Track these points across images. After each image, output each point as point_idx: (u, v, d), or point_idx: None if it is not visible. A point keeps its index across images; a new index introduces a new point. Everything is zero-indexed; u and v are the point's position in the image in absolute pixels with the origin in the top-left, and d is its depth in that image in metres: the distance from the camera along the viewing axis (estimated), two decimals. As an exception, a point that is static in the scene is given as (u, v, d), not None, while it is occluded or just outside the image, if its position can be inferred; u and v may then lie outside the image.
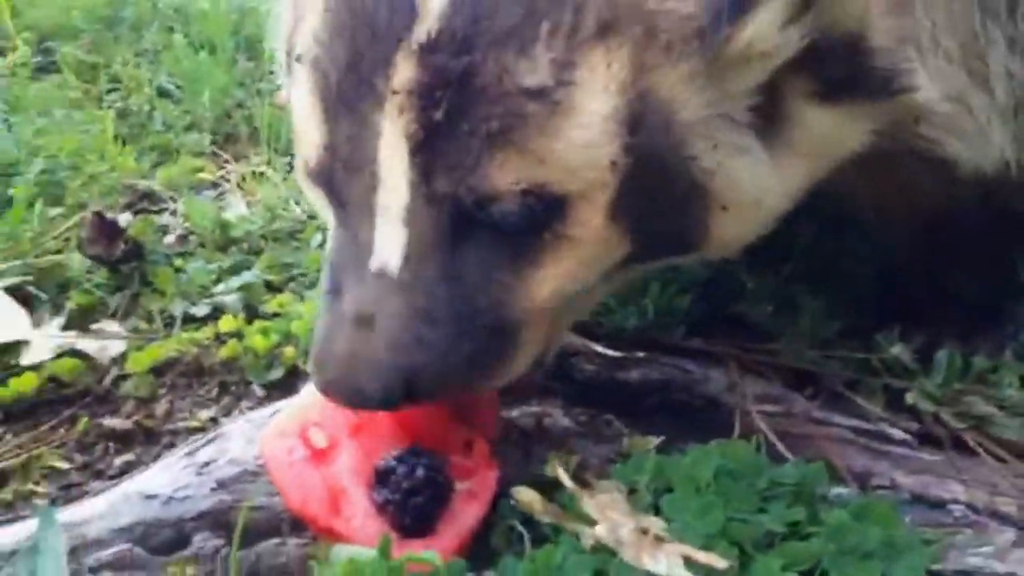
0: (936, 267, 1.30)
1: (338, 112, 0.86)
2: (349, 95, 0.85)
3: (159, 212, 1.61)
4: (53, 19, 2.26)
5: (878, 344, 1.27)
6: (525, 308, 0.90)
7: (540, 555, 0.85)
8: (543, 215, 0.86)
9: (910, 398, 1.21)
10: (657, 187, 0.88)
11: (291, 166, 1.75)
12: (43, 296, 1.33)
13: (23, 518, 0.99)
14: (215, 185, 1.73)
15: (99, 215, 1.35)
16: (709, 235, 0.93)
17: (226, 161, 1.83)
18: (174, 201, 1.64)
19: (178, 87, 2.03)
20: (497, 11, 0.83)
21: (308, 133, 0.88)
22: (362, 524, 0.88)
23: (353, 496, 0.89)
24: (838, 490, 1.03)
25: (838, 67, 0.90)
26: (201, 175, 1.74)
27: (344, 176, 0.87)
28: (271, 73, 2.00)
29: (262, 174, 1.73)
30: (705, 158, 0.88)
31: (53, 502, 1.02)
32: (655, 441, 1.05)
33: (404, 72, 0.83)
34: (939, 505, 1.05)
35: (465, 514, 0.92)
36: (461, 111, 0.83)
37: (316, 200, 0.96)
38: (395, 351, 0.85)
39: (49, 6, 2.29)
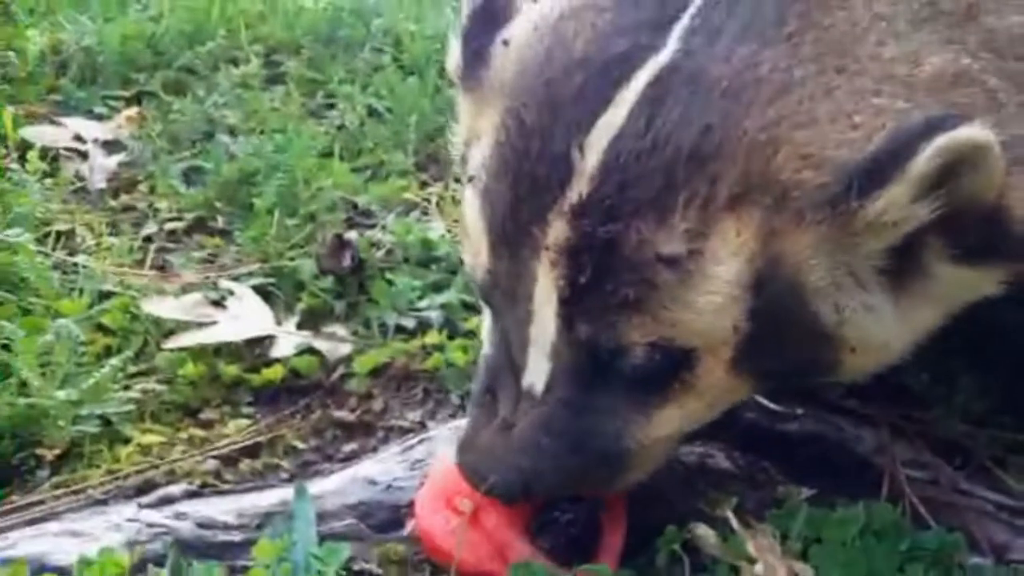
0: None
1: (501, 246, 0.97)
2: (511, 235, 0.96)
3: (371, 227, 1.83)
4: (279, 35, 2.48)
5: (1027, 424, 1.34)
6: (641, 442, 1.00)
7: (701, 580, 1.00)
8: (671, 366, 0.96)
9: (1054, 479, 1.28)
10: (782, 340, 0.95)
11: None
12: (281, 296, 1.57)
13: (271, 486, 1.21)
14: (417, 205, 1.94)
15: (338, 236, 1.58)
16: (839, 369, 1.00)
17: (426, 183, 2.03)
18: (383, 217, 1.86)
19: (388, 109, 2.24)
20: (641, 180, 0.91)
21: (475, 250, 1.01)
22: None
23: (517, 545, 1.04)
24: (976, 560, 1.13)
25: (975, 235, 0.94)
26: (406, 195, 1.95)
27: (503, 301, 1.00)
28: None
29: (455, 199, 1.92)
30: (830, 316, 0.94)
31: (294, 476, 1.23)
32: (807, 492, 1.17)
33: (556, 230, 0.93)
34: None
35: (613, 541, 1.07)
36: (604, 274, 0.92)
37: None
38: (521, 455, 0.98)
39: (276, 22, 2.51)
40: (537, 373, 0.98)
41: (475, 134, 1.02)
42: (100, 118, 2.11)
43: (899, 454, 1.27)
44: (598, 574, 1.02)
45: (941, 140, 0.89)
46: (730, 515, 1.00)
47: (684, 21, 0.95)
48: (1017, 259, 0.98)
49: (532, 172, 0.95)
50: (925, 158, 0.89)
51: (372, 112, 2.21)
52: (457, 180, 1.99)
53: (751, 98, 0.92)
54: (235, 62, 2.41)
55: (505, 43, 1.02)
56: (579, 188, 0.92)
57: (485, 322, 1.10)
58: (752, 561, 0.97)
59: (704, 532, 0.99)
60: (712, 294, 0.92)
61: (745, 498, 1.16)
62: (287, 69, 2.37)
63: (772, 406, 1.30)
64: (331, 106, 2.25)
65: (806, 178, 0.91)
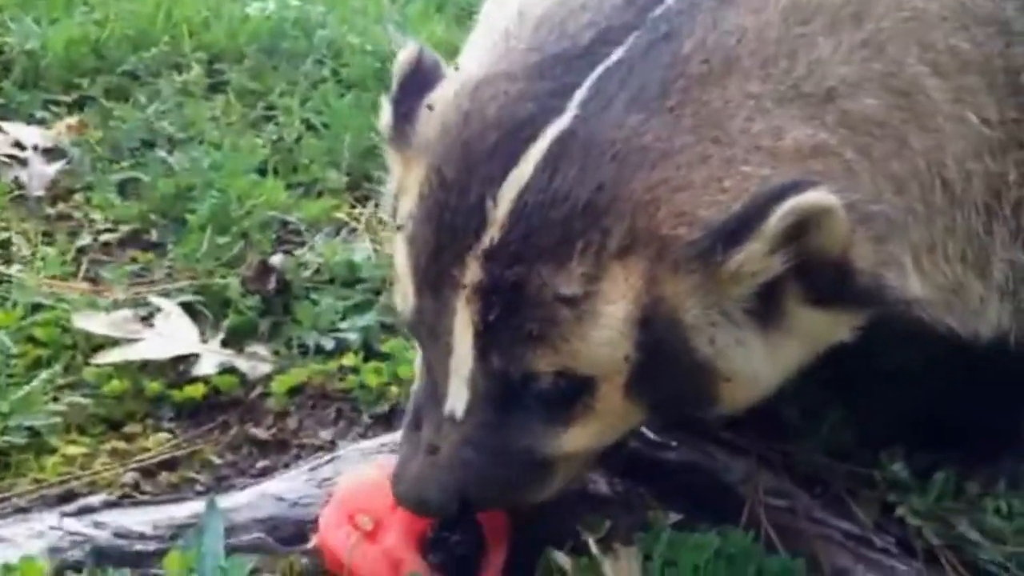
0: (942, 401, 1.49)
1: (425, 287, 1.10)
2: (434, 277, 1.08)
3: (300, 245, 1.91)
4: (222, 43, 2.51)
5: (881, 460, 1.49)
6: (555, 455, 1.14)
7: (567, 599, 1.13)
8: (573, 391, 1.10)
9: (900, 511, 1.42)
10: (667, 370, 1.09)
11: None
12: (207, 313, 1.66)
13: (186, 499, 1.31)
14: (346, 224, 2.00)
15: (263, 262, 1.68)
16: (717, 400, 1.13)
17: (358, 200, 2.11)
18: (311, 236, 1.93)
19: (324, 124, 2.27)
20: (543, 229, 1.04)
21: (403, 291, 1.14)
22: None
23: (410, 560, 1.17)
24: (816, 583, 1.28)
25: (826, 281, 1.08)
26: (337, 213, 2.03)
27: (427, 338, 1.13)
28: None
29: (383, 220, 2.00)
30: (706, 349, 1.08)
31: (209, 489, 1.34)
32: (674, 518, 1.30)
33: (471, 272, 1.05)
34: None
35: (495, 559, 1.20)
36: (512, 311, 1.05)
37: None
38: (448, 472, 1.11)
39: (220, 29, 2.54)
40: (458, 400, 1.11)
41: (403, 188, 1.15)
42: (42, 122, 2.16)
43: (763, 483, 1.41)
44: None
45: (791, 203, 1.03)
46: (591, 541, 1.13)
47: (583, 90, 1.08)
48: (862, 305, 1.12)
49: (451, 221, 1.07)
50: (777, 218, 1.03)
51: (310, 126, 2.25)
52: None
53: (637, 162, 1.05)
54: (178, 68, 2.43)
55: (429, 107, 1.14)
56: (491, 234, 1.05)
57: (417, 361, 1.21)
58: (608, 583, 1.10)
59: (562, 559, 1.12)
60: (605, 329, 1.05)
61: (619, 521, 1.29)
62: (229, 78, 2.41)
63: (653, 436, 1.44)
64: (270, 118, 2.29)
65: (681, 234, 1.05)
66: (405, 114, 1.15)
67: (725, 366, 1.10)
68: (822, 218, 1.04)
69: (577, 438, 1.13)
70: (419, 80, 1.16)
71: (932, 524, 1.41)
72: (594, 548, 1.12)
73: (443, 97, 1.13)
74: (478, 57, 1.18)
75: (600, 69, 1.08)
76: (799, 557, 1.27)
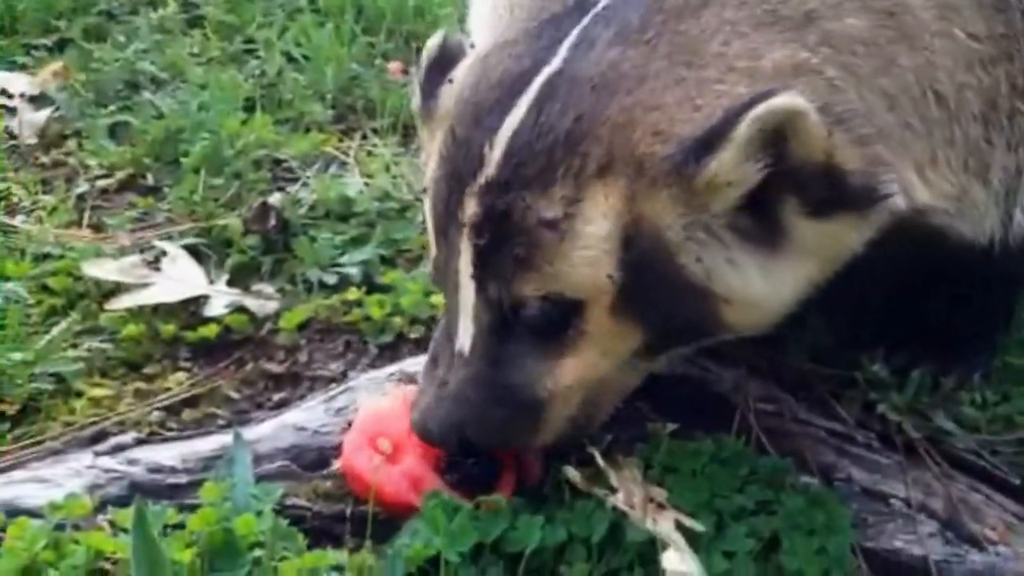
0: (922, 302, 1.55)
1: (440, 236, 1.17)
2: (445, 223, 1.14)
3: (293, 181, 1.94)
4: None
5: (863, 362, 1.57)
6: (551, 389, 1.16)
7: (576, 507, 1.22)
8: (563, 316, 1.13)
9: (881, 408, 1.50)
10: (656, 290, 1.11)
11: (402, 145, 2.07)
12: (211, 254, 1.70)
13: (210, 433, 1.38)
14: (335, 158, 2.01)
15: (263, 203, 1.72)
16: (722, 323, 1.15)
17: (345, 133, 2.13)
18: (304, 172, 1.96)
19: (305, 57, 2.27)
20: (529, 161, 1.09)
21: (430, 247, 1.21)
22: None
23: (429, 479, 1.24)
24: (806, 479, 1.36)
25: (818, 189, 1.09)
26: (326, 148, 2.04)
27: (443, 282, 1.19)
28: (384, 55, 2.29)
29: (371, 152, 2.03)
30: (694, 269, 1.10)
31: (230, 423, 1.41)
32: (671, 427, 1.38)
33: (469, 208, 1.11)
34: (882, 498, 1.35)
35: (508, 477, 1.26)
36: (501, 239, 1.10)
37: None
38: (451, 407, 1.16)
39: None
40: (465, 336, 1.16)
41: (429, 156, 1.22)
42: (24, 68, 2.17)
43: (753, 391, 1.49)
44: (494, 503, 1.23)
45: (760, 108, 1.05)
46: (595, 453, 1.21)
47: (571, 38, 1.13)
48: (861, 208, 1.13)
49: (458, 170, 1.14)
50: (746, 124, 1.05)
51: (291, 59, 2.26)
52: (375, 131, 2.13)
53: (614, 89, 1.09)
54: (153, 5, 2.44)
55: (450, 81, 1.21)
56: (487, 172, 1.11)
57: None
58: (615, 491, 1.19)
59: (571, 472, 1.21)
60: (586, 249, 1.09)
61: (620, 434, 1.37)
62: (204, 12, 2.41)
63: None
64: (250, 52, 2.30)
65: (657, 151, 1.08)
66: (430, 92, 1.22)
67: (720, 287, 1.12)
68: (794, 122, 1.06)
69: (572, 369, 1.16)
70: (443, 61, 1.23)
71: (911, 418, 1.47)
72: (599, 460, 1.20)
73: (461, 70, 1.21)
74: (487, 31, 1.26)
75: (587, 18, 1.14)
76: (788, 457, 1.36)
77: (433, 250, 1.20)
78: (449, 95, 1.19)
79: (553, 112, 1.09)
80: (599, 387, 1.21)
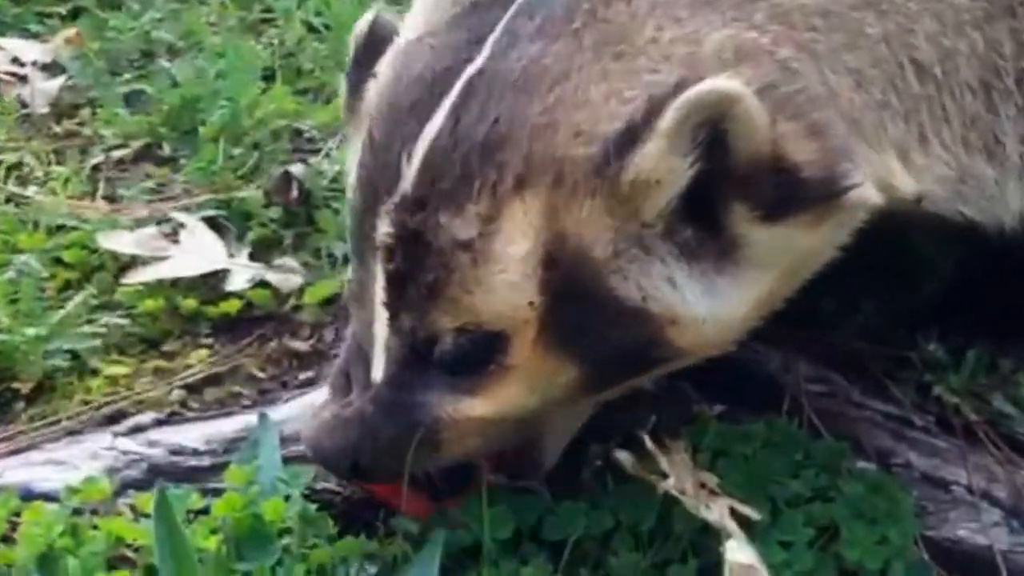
0: (977, 280, 1.49)
1: (355, 255, 1.06)
2: (359, 242, 1.04)
3: (315, 152, 1.86)
4: None
5: (918, 340, 1.50)
6: (458, 425, 1.03)
7: (622, 493, 1.14)
8: (482, 351, 1.00)
9: (937, 390, 1.43)
10: (588, 318, 0.98)
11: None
12: (230, 226, 1.63)
13: (234, 413, 1.32)
14: None
15: (285, 172, 1.64)
16: (673, 348, 1.01)
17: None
18: (325, 143, 1.89)
19: (325, 26, 2.18)
20: (445, 174, 0.97)
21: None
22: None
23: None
24: (861, 464, 1.29)
25: (768, 188, 0.95)
26: (345, 118, 1.98)
27: (357, 308, 1.08)
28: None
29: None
30: (627, 290, 0.97)
31: (255, 403, 1.34)
32: (718, 409, 1.31)
33: (382, 227, 0.99)
34: (943, 485, 1.28)
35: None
36: (413, 263, 0.98)
37: None
38: (349, 432, 1.04)
39: None
40: (378, 365, 1.04)
41: (353, 157, 1.11)
42: (36, 36, 2.10)
43: (802, 371, 1.42)
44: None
45: (687, 94, 0.93)
46: (645, 436, 1.13)
47: (496, 33, 1.01)
48: (820, 206, 0.99)
49: (375, 182, 1.03)
50: (671, 112, 0.92)
51: (311, 28, 2.17)
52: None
53: (534, 88, 0.97)
54: (168, -28, 2.39)
55: (374, 75, 1.09)
56: (403, 188, 0.99)
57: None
58: (665, 475, 1.11)
59: (623, 456, 1.13)
60: (504, 273, 0.97)
61: (664, 416, 1.30)
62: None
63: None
64: (268, 21, 2.21)
65: (578, 153, 0.96)
66: (356, 86, 1.11)
67: (659, 309, 0.99)
68: (729, 109, 0.92)
69: (489, 403, 1.03)
70: (371, 50, 1.11)
71: (969, 401, 1.40)
72: (648, 443, 1.13)
73: (384, 62, 1.09)
74: (415, 19, 1.13)
75: (512, 9, 1.01)
76: (843, 441, 1.29)
77: (350, 269, 1.09)
78: (372, 90, 1.08)
79: (472, 117, 0.97)
80: (532, 423, 1.08)
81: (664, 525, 1.12)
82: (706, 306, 1.00)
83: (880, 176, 1.03)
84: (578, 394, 1.06)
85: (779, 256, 1.01)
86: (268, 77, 1.99)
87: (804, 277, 1.07)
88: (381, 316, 1.03)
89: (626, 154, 0.94)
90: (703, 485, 1.13)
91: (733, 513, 1.11)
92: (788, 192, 0.97)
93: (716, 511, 1.08)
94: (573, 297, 0.98)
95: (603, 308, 0.98)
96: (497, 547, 1.10)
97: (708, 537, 1.11)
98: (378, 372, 1.05)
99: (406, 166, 0.99)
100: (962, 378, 1.43)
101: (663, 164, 0.94)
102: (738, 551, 1.00)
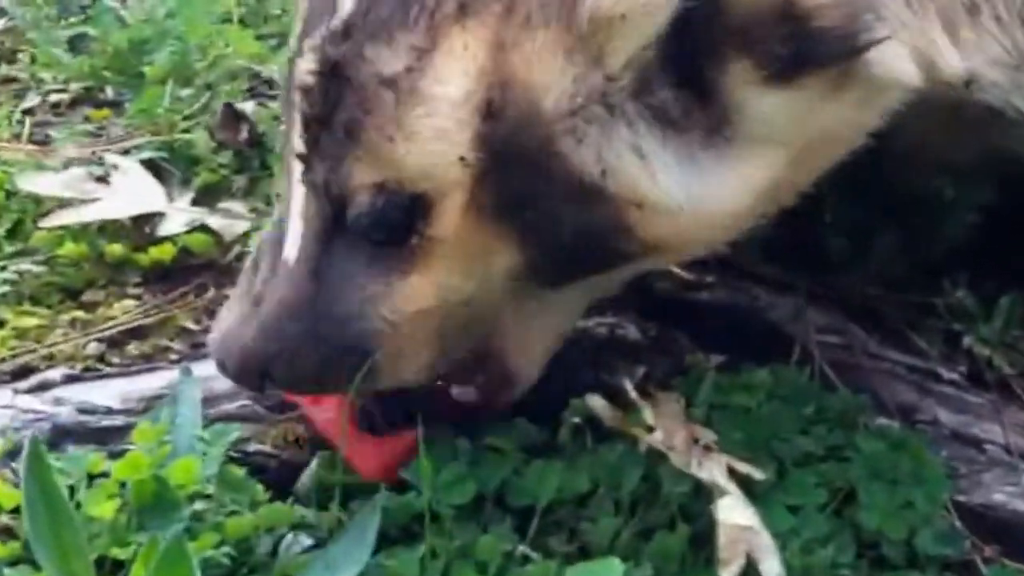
0: (1010, 223, 1.33)
1: (283, 105, 0.90)
2: (287, 91, 0.87)
3: (275, 98, 1.72)
4: None
5: (944, 287, 1.33)
6: (392, 319, 0.86)
7: (601, 452, 0.97)
8: (404, 217, 0.83)
9: (967, 341, 1.27)
10: (531, 187, 0.80)
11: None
12: (174, 171, 1.47)
13: (159, 369, 1.15)
14: None
15: (229, 105, 1.47)
16: (638, 239, 0.83)
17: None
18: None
19: None
20: (381, 1, 0.81)
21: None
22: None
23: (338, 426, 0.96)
24: (881, 421, 1.13)
25: (774, 41, 0.78)
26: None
27: (284, 163, 0.90)
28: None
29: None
30: (582, 157, 0.79)
31: (185, 358, 1.18)
32: (716, 360, 1.14)
33: (303, 64, 0.83)
34: (975, 444, 1.13)
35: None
36: (331, 103, 0.81)
37: None
38: (258, 337, 0.87)
39: None
40: (292, 238, 0.87)
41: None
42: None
43: (813, 320, 1.25)
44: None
45: None
46: (628, 385, 0.96)
47: None
48: (835, 60, 0.80)
49: (311, 14, 0.86)
50: None
51: (279, -27, 2.10)
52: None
53: None
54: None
55: None
56: (336, 20, 0.82)
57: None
58: (650, 430, 0.94)
59: (599, 404, 0.96)
60: (431, 117, 0.80)
61: (654, 368, 1.13)
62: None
63: (685, 275, 1.27)
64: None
65: None
66: None
67: (622, 187, 0.80)
68: None
69: (418, 290, 0.85)
70: None
71: (1002, 353, 1.26)
72: (632, 393, 0.96)
73: None
74: None
75: None
76: (861, 395, 1.12)
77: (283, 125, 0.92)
78: None
79: None
80: (468, 321, 0.89)
81: (649, 487, 0.95)
82: (684, 190, 0.81)
83: (920, 48, 0.84)
84: (526, 284, 0.87)
85: (786, 131, 0.82)
86: (226, 21, 1.84)
87: (820, 167, 0.88)
88: (296, 172, 0.86)
89: None
90: (696, 441, 0.97)
91: (732, 473, 0.94)
92: (798, 47, 0.78)
93: (710, 469, 0.91)
94: (515, 159, 0.80)
95: (551, 178, 0.80)
96: (453, 513, 0.92)
97: (700, 501, 0.94)
98: (292, 246, 0.87)
99: None
100: (994, 328, 1.28)
101: None
102: (732, 510, 0.83)
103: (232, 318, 0.90)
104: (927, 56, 0.84)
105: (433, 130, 0.80)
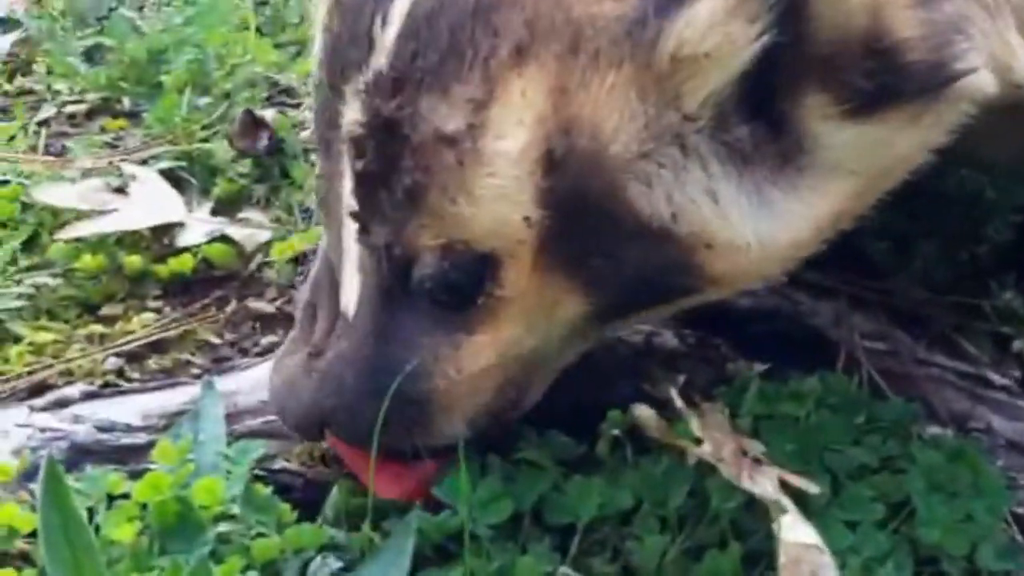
0: None
1: (322, 143, 0.84)
2: (325, 129, 0.82)
3: (295, 106, 1.69)
4: None
5: (991, 290, 1.27)
6: (453, 377, 0.84)
7: (644, 466, 0.92)
8: (470, 278, 0.80)
9: (1017, 345, 1.22)
10: (598, 236, 0.77)
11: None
12: (193, 181, 1.44)
13: (181, 384, 1.11)
14: None
15: (249, 112, 1.44)
16: (706, 276, 0.79)
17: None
18: (306, 95, 1.72)
19: None
20: (430, 46, 0.75)
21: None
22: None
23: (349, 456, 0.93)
24: (934, 430, 1.07)
25: (856, 76, 0.73)
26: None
27: (326, 208, 0.87)
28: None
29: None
30: (650, 202, 0.75)
31: (207, 372, 1.14)
32: (759, 368, 1.09)
33: (350, 114, 0.78)
34: None
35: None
36: (388, 161, 0.77)
37: None
38: (319, 390, 0.85)
39: None
40: (350, 291, 0.84)
41: (317, 27, 0.88)
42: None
43: (857, 326, 1.20)
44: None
45: None
46: (674, 394, 0.91)
47: None
48: (923, 95, 0.75)
49: (342, 53, 0.80)
50: None
51: (298, -20, 2.08)
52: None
53: None
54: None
55: None
56: (377, 62, 0.77)
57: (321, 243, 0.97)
58: (697, 442, 0.89)
59: (645, 414, 0.91)
60: (493, 176, 0.75)
61: (695, 376, 1.08)
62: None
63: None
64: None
65: (602, 11, 0.72)
66: None
67: (693, 228, 0.76)
68: None
69: (482, 349, 0.83)
70: None
71: None
72: (678, 402, 0.91)
73: None
74: None
75: None
76: (912, 402, 1.07)
77: (319, 163, 0.88)
78: None
79: None
80: (523, 370, 0.86)
81: (697, 503, 0.90)
82: (754, 226, 0.77)
83: (996, 54, 0.78)
84: (584, 329, 0.85)
85: (859, 163, 0.77)
86: (245, 28, 1.82)
87: (883, 190, 0.83)
88: (350, 228, 0.82)
89: (670, 14, 0.70)
90: (745, 453, 0.91)
91: (784, 487, 0.89)
92: (885, 81, 0.73)
93: (762, 483, 0.86)
94: (580, 210, 0.76)
95: (618, 224, 0.76)
96: (490, 533, 0.88)
97: (752, 517, 0.89)
98: (350, 298, 0.84)
99: (379, 34, 0.77)
100: (1046, 332, 1.23)
101: (720, 32, 0.71)
102: (795, 529, 0.77)
103: (292, 369, 0.88)
104: (1003, 61, 0.79)
105: (495, 189, 0.75)
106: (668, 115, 0.74)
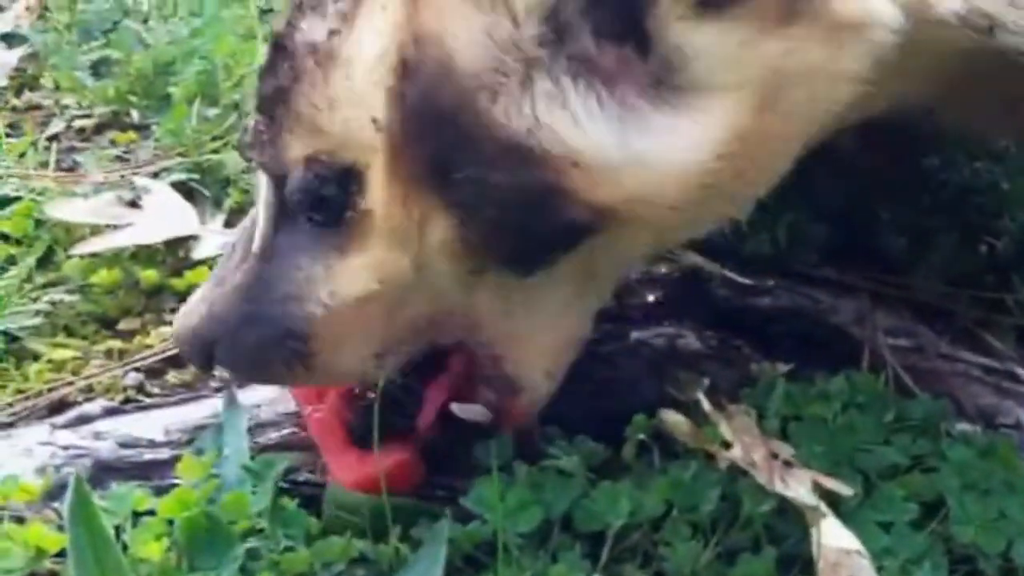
0: None
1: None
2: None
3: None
4: None
5: (1012, 283, 1.26)
6: (330, 303, 0.81)
7: (673, 471, 0.91)
8: (337, 191, 0.78)
9: (1042, 339, 1.21)
10: (454, 150, 0.74)
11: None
12: (205, 193, 1.43)
13: (202, 397, 1.11)
14: None
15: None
16: (585, 204, 0.74)
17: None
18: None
19: None
20: None
21: None
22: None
23: (332, 432, 0.94)
24: (963, 426, 1.06)
25: None
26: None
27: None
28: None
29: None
30: (499, 113, 0.72)
31: (227, 385, 1.13)
32: (783, 368, 1.08)
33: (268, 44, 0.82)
34: None
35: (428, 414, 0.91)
36: (274, 79, 0.79)
37: None
38: (206, 317, 0.85)
39: None
40: (259, 227, 0.85)
41: None
42: (-1, 8, 1.93)
43: (880, 322, 1.19)
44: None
45: None
46: (701, 397, 0.91)
47: None
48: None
49: None
50: None
51: (301, -8, 2.07)
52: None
53: None
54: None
55: None
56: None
57: None
58: (727, 445, 0.88)
59: (674, 419, 0.90)
60: (348, 80, 0.76)
61: (718, 379, 1.07)
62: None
63: (743, 280, 1.21)
64: (255, -13, 2.10)
65: None
66: None
67: (552, 145, 0.72)
68: None
69: (356, 273, 0.80)
70: None
71: None
72: (706, 406, 0.90)
73: None
74: None
75: None
76: (939, 399, 1.05)
77: None
78: None
79: None
80: (416, 311, 0.83)
81: (728, 507, 0.89)
82: (623, 144, 0.72)
83: None
84: (471, 263, 0.79)
85: (731, 72, 0.71)
86: (250, 37, 1.81)
87: (808, 118, 0.76)
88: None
89: None
90: (775, 456, 0.90)
91: (817, 489, 0.88)
92: None
93: (795, 486, 0.85)
94: (435, 122, 0.74)
95: (474, 139, 0.73)
96: (520, 542, 0.87)
97: (785, 521, 0.88)
98: (258, 235, 0.84)
99: None
100: (1069, 323, 1.21)
101: None
102: (834, 534, 0.76)
103: (194, 300, 0.88)
104: None
105: (349, 94, 0.76)
106: (504, 25, 0.73)
